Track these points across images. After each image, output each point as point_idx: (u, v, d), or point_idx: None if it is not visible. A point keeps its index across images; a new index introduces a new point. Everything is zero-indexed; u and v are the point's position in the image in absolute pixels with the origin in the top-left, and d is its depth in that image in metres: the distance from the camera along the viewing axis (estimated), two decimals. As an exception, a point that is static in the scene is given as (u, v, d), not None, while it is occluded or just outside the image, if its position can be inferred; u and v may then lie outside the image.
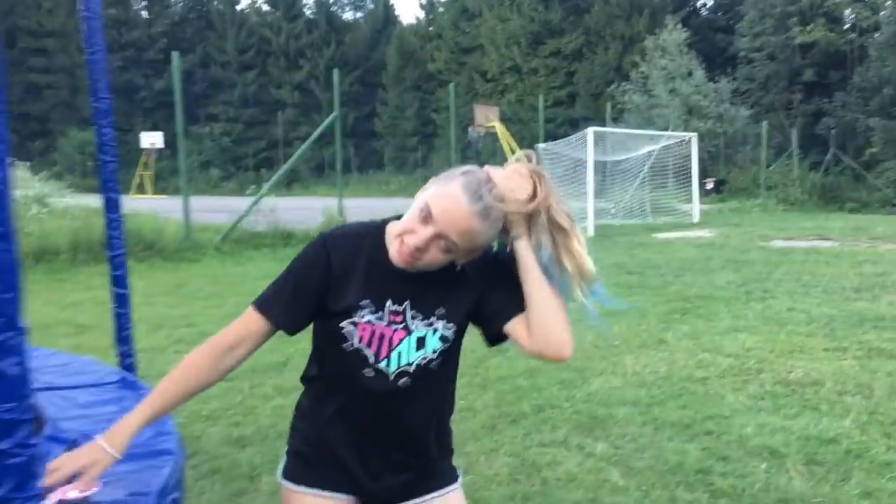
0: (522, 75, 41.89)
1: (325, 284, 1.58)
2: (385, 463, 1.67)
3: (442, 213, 1.49)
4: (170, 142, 29.61)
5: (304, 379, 1.74)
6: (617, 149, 19.36)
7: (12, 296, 1.08)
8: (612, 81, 35.34)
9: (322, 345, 1.66)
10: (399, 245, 1.53)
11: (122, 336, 2.56)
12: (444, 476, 1.76)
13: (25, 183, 14.12)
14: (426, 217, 1.50)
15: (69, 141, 37.03)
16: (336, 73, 15.27)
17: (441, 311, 1.61)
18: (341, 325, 1.58)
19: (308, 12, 50.80)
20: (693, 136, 20.21)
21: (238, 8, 50.10)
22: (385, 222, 1.62)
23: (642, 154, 19.75)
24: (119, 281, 2.65)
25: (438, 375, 1.65)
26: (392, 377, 1.59)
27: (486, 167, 1.59)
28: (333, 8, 52.77)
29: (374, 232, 1.62)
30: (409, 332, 1.59)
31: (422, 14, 50.99)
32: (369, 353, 1.59)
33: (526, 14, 41.76)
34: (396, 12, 54.22)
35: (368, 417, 1.64)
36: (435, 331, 1.60)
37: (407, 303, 1.59)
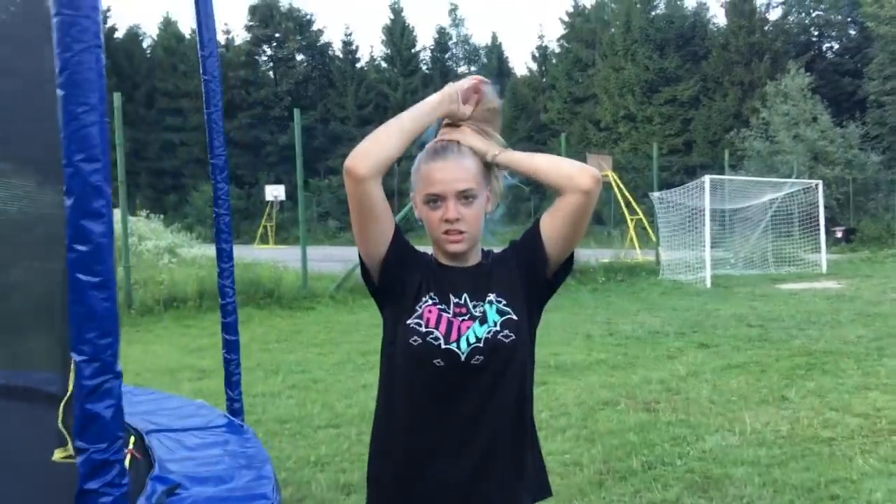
0: (636, 123, 41.37)
1: (401, 256, 1.72)
2: (466, 474, 1.68)
3: (437, 182, 1.67)
4: (291, 194, 30.88)
5: (376, 417, 1.81)
6: (735, 196, 18.73)
7: (110, 341, 1.14)
8: (730, 128, 34.44)
9: (390, 351, 1.74)
10: (444, 237, 1.69)
11: (232, 381, 2.66)
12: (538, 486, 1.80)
13: (159, 235, 15.03)
14: (432, 200, 1.68)
15: (200, 195, 39.17)
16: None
17: (492, 292, 1.74)
18: (414, 310, 1.69)
19: (424, 67, 52.26)
20: (819, 183, 19.32)
21: (357, 66, 52.11)
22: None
23: (764, 202, 19.01)
24: (229, 328, 2.76)
25: (509, 354, 1.69)
26: (464, 356, 1.66)
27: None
28: (448, 63, 54.05)
29: (432, 254, 1.81)
30: (473, 318, 1.70)
31: (534, 66, 51.41)
32: (439, 335, 1.67)
33: (640, 63, 41.39)
34: (510, 64, 54.96)
35: (444, 421, 1.68)
36: (491, 303, 1.72)
37: (465, 295, 1.72)
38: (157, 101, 45.98)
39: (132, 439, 1.86)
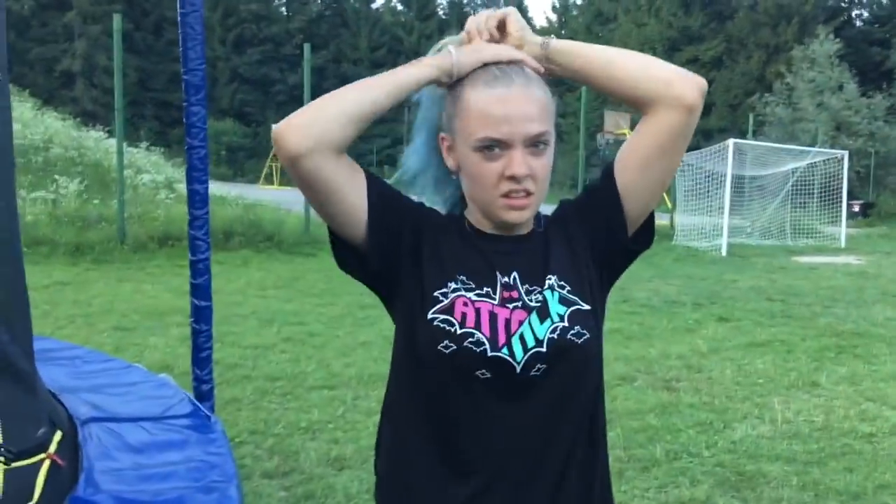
0: (656, 83, 40.56)
1: (418, 236, 1.26)
2: None
3: (501, 121, 1.17)
4: (299, 135, 30.20)
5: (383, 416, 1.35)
6: (755, 163, 18.10)
7: None
8: (752, 92, 33.55)
9: (407, 362, 1.26)
10: (504, 201, 1.21)
11: (200, 358, 2.16)
12: None
13: (158, 168, 14.50)
14: (489, 147, 1.18)
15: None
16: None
17: (552, 273, 1.26)
18: (436, 299, 1.20)
19: (441, 12, 51.11)
20: (845, 154, 18.70)
21: (373, 6, 50.96)
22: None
23: (785, 171, 18.40)
24: (200, 292, 2.27)
25: (583, 358, 1.23)
26: (520, 367, 1.18)
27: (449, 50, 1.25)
28: (466, 9, 52.81)
29: (459, 217, 1.32)
30: (529, 309, 1.21)
31: (554, 17, 50.16)
32: (482, 336, 1.18)
33: (664, 19, 40.33)
34: (529, 14, 53.67)
35: (494, 453, 1.21)
36: (552, 289, 1.24)
37: (515, 275, 1.24)
38: (165, 31, 44.86)
39: (57, 437, 1.42)
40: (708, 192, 16.43)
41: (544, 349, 1.19)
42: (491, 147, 1.18)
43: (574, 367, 1.23)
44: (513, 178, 1.18)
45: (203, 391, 2.04)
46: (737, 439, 4.30)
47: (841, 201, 18.42)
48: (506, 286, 1.23)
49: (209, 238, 2.24)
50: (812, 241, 17.76)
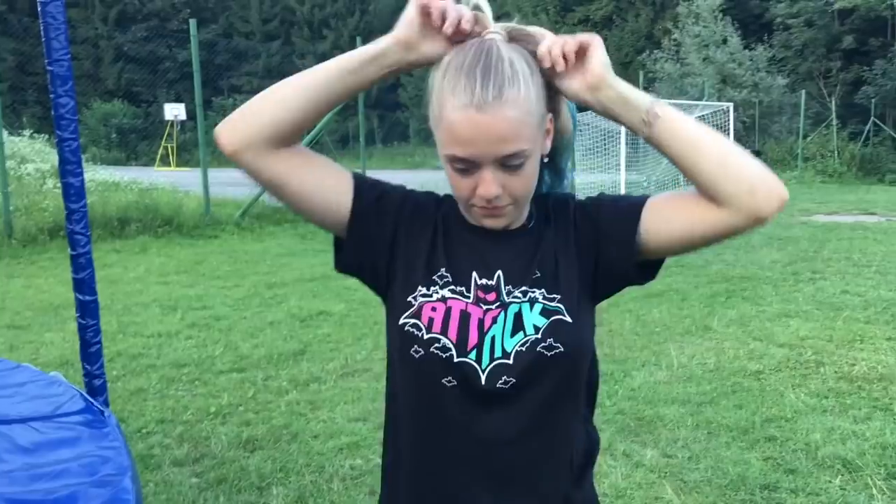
0: (550, 44, 41.00)
1: (394, 229, 1.19)
2: None
3: (466, 142, 1.05)
4: (193, 113, 29.35)
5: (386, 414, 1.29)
6: (649, 119, 18.62)
7: None
8: (642, 49, 34.35)
9: (394, 360, 1.21)
10: (476, 210, 1.13)
11: (90, 353, 2.13)
12: None
13: (44, 156, 13.81)
14: (458, 163, 1.08)
15: (92, 113, 36.82)
16: (359, 43, 14.76)
17: (536, 275, 1.16)
18: (408, 304, 1.15)
19: (332, -20, 50.04)
20: (730, 106, 19.48)
21: (261, -23, 49.41)
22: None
23: (676, 124, 19.02)
24: (83, 286, 2.22)
25: (557, 373, 1.13)
26: (485, 377, 1.12)
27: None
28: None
29: (448, 198, 1.23)
30: (504, 308, 1.14)
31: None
32: (448, 342, 1.12)
33: (554, -20, 40.74)
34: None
35: (463, 465, 1.16)
36: (533, 300, 1.14)
37: (499, 274, 1.16)
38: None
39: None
40: (605, 149, 16.84)
41: (511, 362, 1.12)
42: (459, 163, 1.08)
43: (546, 381, 1.14)
44: (483, 198, 1.10)
45: (95, 386, 2.00)
46: (636, 387, 4.51)
47: (729, 151, 19.19)
48: (484, 287, 1.16)
49: (89, 231, 2.18)
50: (704, 191, 18.48)
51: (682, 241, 1.16)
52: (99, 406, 1.67)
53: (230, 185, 15.20)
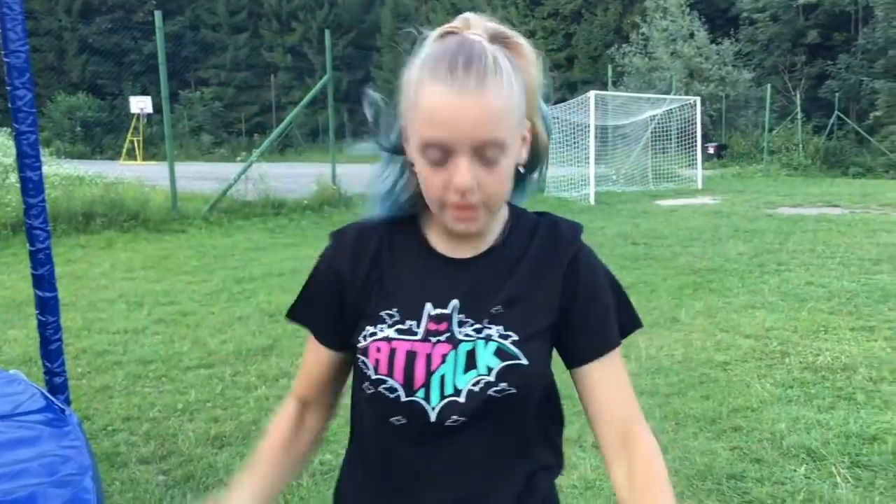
0: (520, 37, 41.07)
1: (341, 297, 1.15)
2: None
3: (442, 124, 0.99)
4: (159, 106, 28.97)
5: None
6: (617, 113, 18.80)
7: None
8: (611, 43, 34.61)
9: (354, 398, 1.20)
10: (448, 212, 1.05)
11: (50, 351, 2.08)
12: None
13: (5, 150, 13.55)
14: (432, 149, 1.01)
15: (56, 106, 36.22)
16: (328, 35, 14.70)
17: (497, 309, 1.09)
18: (358, 342, 1.13)
19: (300, -29, 49.64)
20: (697, 100, 19.69)
21: (228, -32, 48.86)
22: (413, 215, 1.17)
23: (644, 118, 19.21)
24: (43, 283, 2.17)
25: (511, 419, 1.10)
26: (436, 414, 1.07)
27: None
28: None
29: (403, 220, 1.16)
30: (454, 344, 1.08)
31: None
32: (395, 383, 1.08)
33: (523, -26, 40.79)
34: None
35: (409, 488, 1.13)
36: (488, 340, 1.08)
37: (455, 303, 1.10)
38: (2, 2, 41.67)
39: None
40: (575, 142, 16.94)
41: (462, 400, 1.07)
42: (435, 150, 1.01)
43: (498, 417, 1.09)
44: (457, 190, 1.02)
45: (56, 384, 1.96)
46: (605, 379, 4.53)
47: (696, 145, 19.41)
48: (435, 318, 1.10)
49: (48, 226, 2.14)
50: (672, 184, 18.69)
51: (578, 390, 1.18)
52: (60, 404, 1.64)
53: (197, 180, 15.07)
